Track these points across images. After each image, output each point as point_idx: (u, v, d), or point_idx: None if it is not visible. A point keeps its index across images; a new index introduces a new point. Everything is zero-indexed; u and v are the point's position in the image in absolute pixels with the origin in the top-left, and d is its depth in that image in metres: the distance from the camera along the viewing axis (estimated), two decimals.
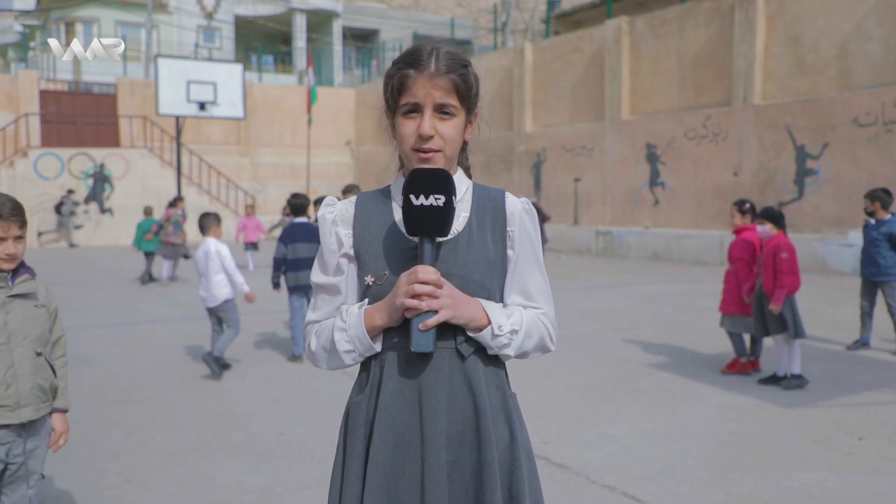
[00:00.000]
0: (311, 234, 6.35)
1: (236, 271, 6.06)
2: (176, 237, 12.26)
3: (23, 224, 2.47)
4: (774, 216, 5.62)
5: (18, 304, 2.49)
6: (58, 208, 20.80)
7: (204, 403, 5.18)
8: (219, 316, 6.11)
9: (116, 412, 4.98)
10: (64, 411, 2.67)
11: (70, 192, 20.99)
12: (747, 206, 6.02)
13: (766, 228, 5.59)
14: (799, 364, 5.47)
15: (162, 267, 12.74)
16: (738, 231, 5.99)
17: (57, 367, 2.65)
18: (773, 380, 5.55)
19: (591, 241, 17.74)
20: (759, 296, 5.61)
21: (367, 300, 1.53)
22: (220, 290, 6.01)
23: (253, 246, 14.48)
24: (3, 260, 2.43)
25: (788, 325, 5.41)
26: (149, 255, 12.54)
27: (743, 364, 5.91)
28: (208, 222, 6.14)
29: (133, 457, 4.12)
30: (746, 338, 6.08)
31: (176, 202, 13.23)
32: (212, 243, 6.02)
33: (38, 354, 2.53)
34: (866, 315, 6.88)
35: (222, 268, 6.00)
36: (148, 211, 13.43)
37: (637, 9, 20.32)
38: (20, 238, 2.46)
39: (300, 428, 4.60)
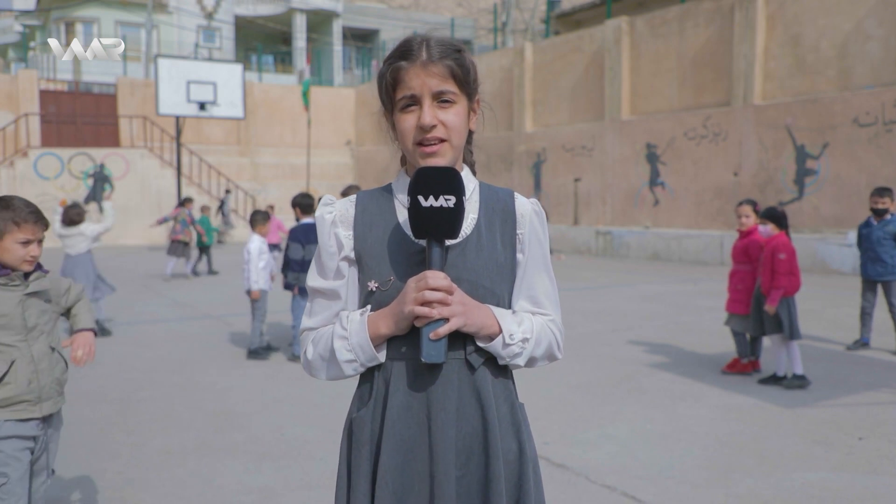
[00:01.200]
0: None
1: (257, 270, 6.69)
2: (184, 235, 12.78)
3: (46, 227, 2.60)
4: (777, 216, 5.59)
5: (33, 302, 2.58)
6: (220, 209, 21.47)
7: (204, 403, 5.18)
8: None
9: (116, 412, 4.98)
10: (90, 330, 2.75)
11: (227, 192, 21.29)
12: (759, 206, 6.00)
13: (767, 229, 5.57)
14: (800, 364, 5.47)
15: (168, 264, 13.01)
16: (750, 231, 5.94)
17: (81, 304, 2.79)
18: (773, 380, 5.55)
19: (591, 241, 17.75)
20: (757, 295, 5.61)
21: (369, 307, 1.44)
22: (247, 281, 6.72)
23: (276, 248, 13.30)
24: (27, 262, 2.54)
25: (784, 326, 5.40)
26: (204, 249, 13.66)
27: (744, 364, 5.90)
28: (255, 220, 6.91)
29: (133, 457, 4.12)
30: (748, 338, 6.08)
31: (185, 202, 13.80)
32: (255, 241, 6.74)
33: (53, 350, 2.61)
34: (867, 315, 6.88)
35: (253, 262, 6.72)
36: (204, 209, 14.58)
37: (637, 9, 20.33)
38: (41, 241, 2.59)
39: (300, 428, 4.60)
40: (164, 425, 4.69)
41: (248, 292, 6.75)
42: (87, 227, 7.80)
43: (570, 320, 8.27)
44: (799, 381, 5.40)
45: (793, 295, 5.49)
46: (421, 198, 1.32)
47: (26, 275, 2.58)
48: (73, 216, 8.19)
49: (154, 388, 5.63)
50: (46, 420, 2.60)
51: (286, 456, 4.10)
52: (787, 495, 3.52)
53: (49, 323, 2.63)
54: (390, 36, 32.79)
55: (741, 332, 5.89)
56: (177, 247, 12.78)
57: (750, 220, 5.91)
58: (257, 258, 6.69)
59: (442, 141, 1.40)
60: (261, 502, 3.49)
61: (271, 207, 15.37)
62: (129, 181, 21.98)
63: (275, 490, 3.63)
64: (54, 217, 8.12)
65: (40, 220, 2.56)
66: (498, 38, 26.42)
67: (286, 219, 19.43)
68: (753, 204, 5.98)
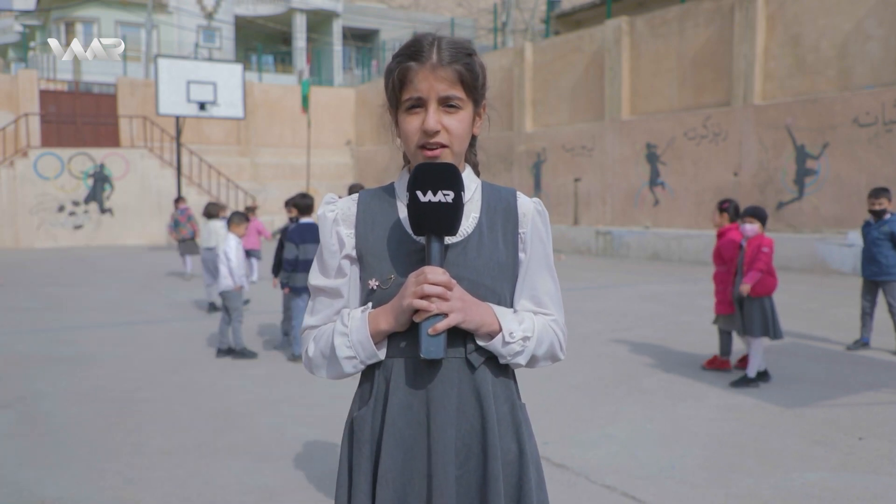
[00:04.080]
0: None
1: (233, 270, 6.72)
2: (177, 233, 12.89)
3: None
4: (763, 216, 5.68)
5: None
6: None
7: (204, 403, 5.18)
8: (225, 304, 6.79)
9: (116, 412, 4.97)
10: None
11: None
12: (727, 205, 6.12)
13: (754, 227, 5.62)
14: (756, 368, 5.52)
15: (186, 263, 13.25)
16: (726, 231, 6.03)
17: None
18: (749, 379, 5.58)
19: (591, 241, 17.74)
20: (738, 297, 5.64)
21: (370, 304, 1.43)
22: (222, 280, 6.77)
23: (252, 254, 10.89)
24: None
25: (756, 326, 5.46)
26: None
27: (722, 361, 6.03)
28: (230, 220, 6.95)
29: (133, 457, 4.12)
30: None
31: (175, 202, 13.83)
32: (232, 240, 6.80)
33: None
34: (867, 315, 6.88)
35: (225, 261, 6.75)
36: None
37: (637, 9, 20.32)
38: None
39: (300, 428, 4.60)
40: (164, 425, 4.69)
41: (222, 293, 6.76)
42: (222, 227, 8.60)
43: (570, 320, 8.25)
44: (757, 380, 5.51)
45: (771, 294, 5.56)
46: (419, 193, 1.32)
47: None
48: (210, 210, 8.93)
49: (154, 388, 5.63)
50: None
51: (286, 456, 4.10)
52: (787, 495, 3.52)
53: None
54: (390, 36, 32.79)
55: (728, 330, 5.97)
56: (180, 245, 13.08)
57: (722, 219, 6.10)
58: (235, 258, 6.72)
59: (443, 146, 1.39)
60: (261, 502, 3.49)
61: (249, 209, 13.28)
62: (129, 181, 21.97)
63: (275, 490, 3.63)
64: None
65: None
66: (498, 38, 26.41)
67: (279, 220, 19.36)
68: (720, 204, 6.17)
